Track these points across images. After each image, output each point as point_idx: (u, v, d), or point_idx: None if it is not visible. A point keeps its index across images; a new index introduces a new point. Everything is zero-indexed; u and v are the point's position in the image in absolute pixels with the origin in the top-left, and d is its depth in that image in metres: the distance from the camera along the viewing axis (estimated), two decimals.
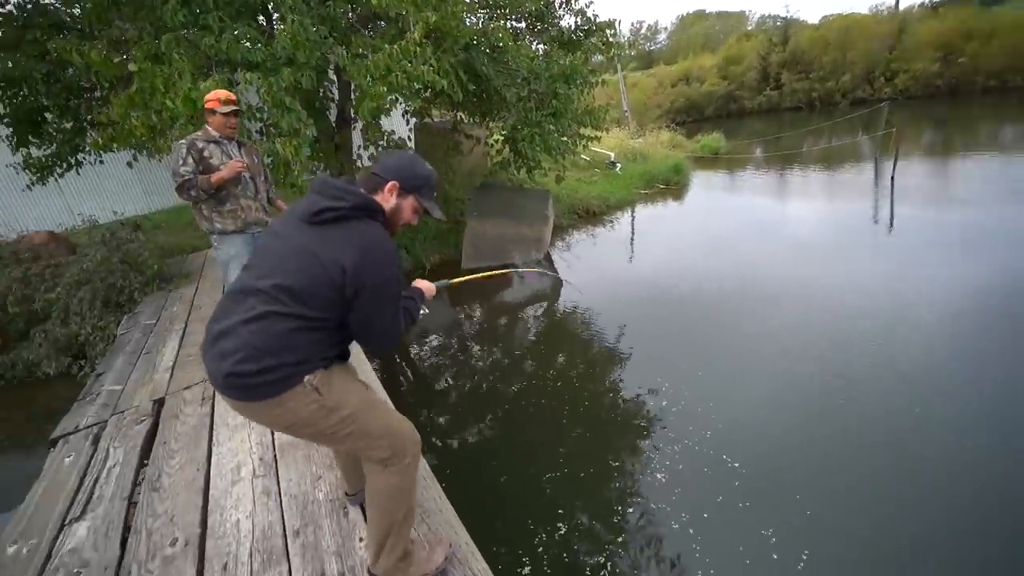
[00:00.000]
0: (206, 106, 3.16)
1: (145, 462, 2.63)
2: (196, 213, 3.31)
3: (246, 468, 2.48)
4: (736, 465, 3.26)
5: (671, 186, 11.85)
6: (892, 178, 9.91)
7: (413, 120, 7.65)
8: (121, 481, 2.50)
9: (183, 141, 3.12)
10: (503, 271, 3.25)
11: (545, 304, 6.37)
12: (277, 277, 1.42)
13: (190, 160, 3.08)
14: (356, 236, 1.45)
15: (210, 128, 3.18)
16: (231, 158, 3.23)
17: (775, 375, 4.24)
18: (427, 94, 6.44)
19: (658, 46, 54.80)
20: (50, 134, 6.09)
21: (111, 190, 9.90)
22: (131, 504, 2.35)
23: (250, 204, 3.34)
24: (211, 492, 2.36)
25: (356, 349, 3.38)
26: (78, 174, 6.59)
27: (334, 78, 6.19)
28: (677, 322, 5.39)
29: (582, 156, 11.02)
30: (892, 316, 4.98)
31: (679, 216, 9.85)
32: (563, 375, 4.59)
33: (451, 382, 4.75)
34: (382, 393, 2.77)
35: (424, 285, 1.93)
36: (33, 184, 6.42)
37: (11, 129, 6.02)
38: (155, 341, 4.23)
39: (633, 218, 9.85)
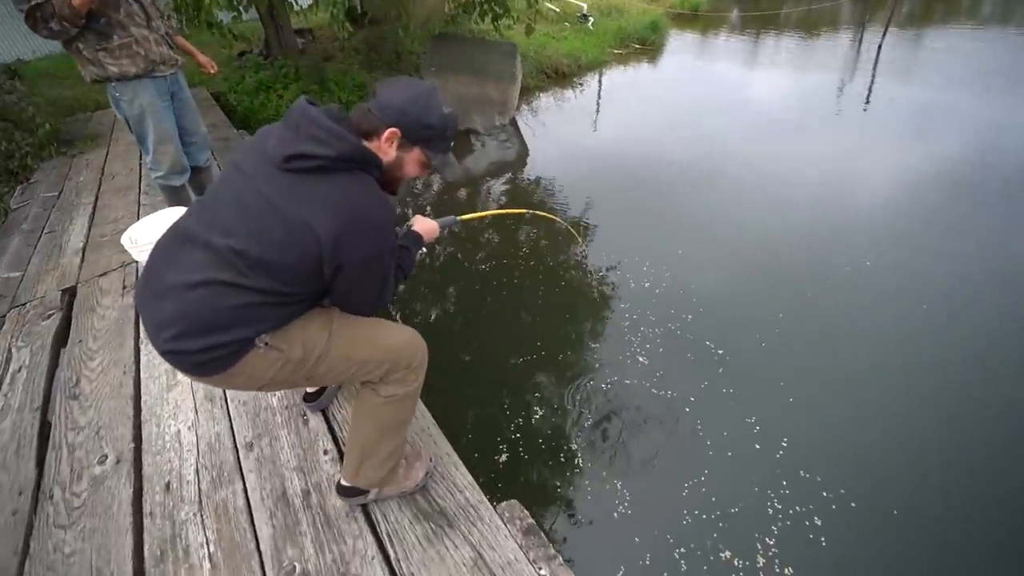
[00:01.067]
0: None
1: (58, 365, 2.22)
2: (77, 59, 2.47)
3: None
4: (720, 352, 3.17)
5: (646, 46, 10.73)
6: (879, 47, 9.23)
7: None
8: (30, 388, 2.10)
9: None
10: (519, 211, 3.39)
11: (510, 174, 5.84)
12: (233, 236, 1.07)
13: None
14: (338, 194, 1.08)
15: None
16: None
17: (731, 252, 4.12)
18: None
19: None
20: None
21: None
22: (45, 416, 1.98)
23: (146, 36, 2.52)
24: (143, 399, 2.01)
25: None
26: None
27: None
28: (643, 197, 5.09)
29: (551, 6, 9.60)
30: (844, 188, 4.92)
31: (652, 83, 9.02)
32: (533, 252, 4.29)
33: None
34: None
35: (425, 226, 1.57)
36: None
37: None
38: (59, 217, 3.54)
39: (602, 82, 8.96)
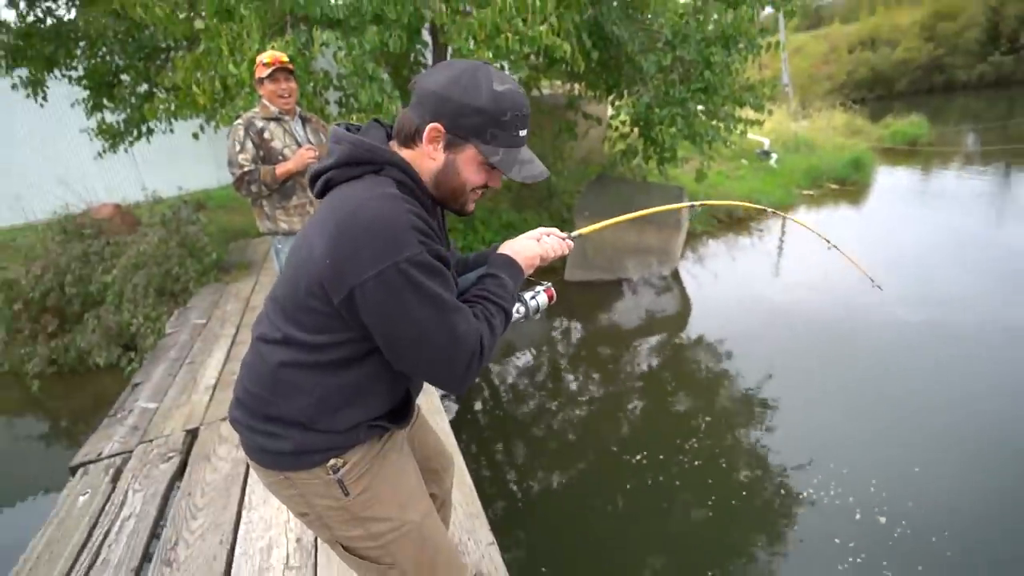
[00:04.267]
0: (255, 74, 3.01)
1: (163, 522, 2.50)
2: (256, 210, 3.19)
3: (278, 551, 2.24)
4: None
5: (847, 186, 10.55)
6: None
7: None
8: (133, 542, 2.38)
9: (239, 121, 2.98)
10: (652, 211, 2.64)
11: (666, 331, 5.81)
12: (277, 286, 1.18)
13: (249, 145, 2.93)
14: (337, 200, 1.06)
15: (266, 102, 3.02)
16: (295, 138, 3.06)
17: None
18: (538, 61, 6.09)
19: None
20: (124, 98, 6.54)
21: (183, 161, 10.67)
22: None
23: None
24: None
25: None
26: (148, 142, 7.04)
27: (428, 39, 6.03)
28: (844, 372, 4.63)
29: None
30: None
31: (854, 227, 8.72)
32: (682, 425, 4.06)
33: (529, 416, 4.42)
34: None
35: (522, 246, 1.29)
36: (104, 152, 6.96)
37: (88, 91, 6.54)
38: (201, 348, 4.27)
39: (785, 227, 8.86)
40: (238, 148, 2.93)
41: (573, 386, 5.04)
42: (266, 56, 2.94)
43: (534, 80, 7.33)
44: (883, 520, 3.14)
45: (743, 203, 2.57)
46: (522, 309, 1.28)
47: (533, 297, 1.33)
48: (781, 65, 16.29)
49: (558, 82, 7.89)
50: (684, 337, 5.72)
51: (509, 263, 1.25)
